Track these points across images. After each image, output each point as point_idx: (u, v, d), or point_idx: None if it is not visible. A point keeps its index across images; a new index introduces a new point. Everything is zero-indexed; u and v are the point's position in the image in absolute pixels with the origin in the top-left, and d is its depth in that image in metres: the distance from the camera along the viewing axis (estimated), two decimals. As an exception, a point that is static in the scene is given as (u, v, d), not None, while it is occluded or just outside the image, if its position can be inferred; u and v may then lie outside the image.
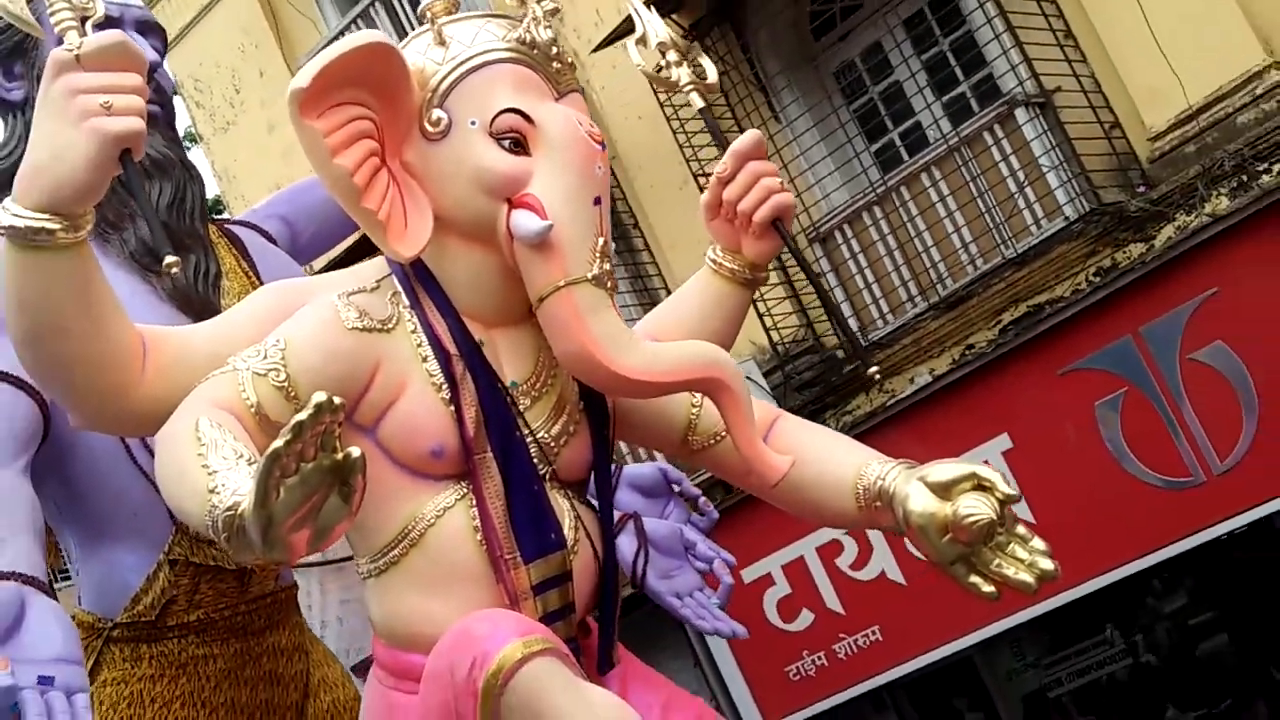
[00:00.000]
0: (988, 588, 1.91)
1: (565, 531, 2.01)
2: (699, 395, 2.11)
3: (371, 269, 2.05)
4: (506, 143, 1.88)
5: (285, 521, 1.39)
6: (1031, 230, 7.32)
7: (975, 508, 1.85)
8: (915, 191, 7.88)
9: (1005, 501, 1.89)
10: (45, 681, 2.21)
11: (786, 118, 8.11)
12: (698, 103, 2.13)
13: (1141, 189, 7.08)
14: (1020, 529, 1.95)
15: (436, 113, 1.89)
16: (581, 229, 1.89)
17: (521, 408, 2.02)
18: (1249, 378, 6.48)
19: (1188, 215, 6.79)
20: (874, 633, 8.08)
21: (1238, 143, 6.66)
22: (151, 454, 2.46)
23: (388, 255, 1.99)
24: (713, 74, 2.19)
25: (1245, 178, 6.58)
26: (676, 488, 3.15)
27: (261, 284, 2.72)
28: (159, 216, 2.64)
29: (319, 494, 1.39)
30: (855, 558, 7.98)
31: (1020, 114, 7.29)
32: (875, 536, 7.71)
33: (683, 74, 2.14)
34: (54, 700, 2.21)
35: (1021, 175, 7.36)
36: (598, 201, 1.93)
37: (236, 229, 3.12)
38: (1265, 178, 6.46)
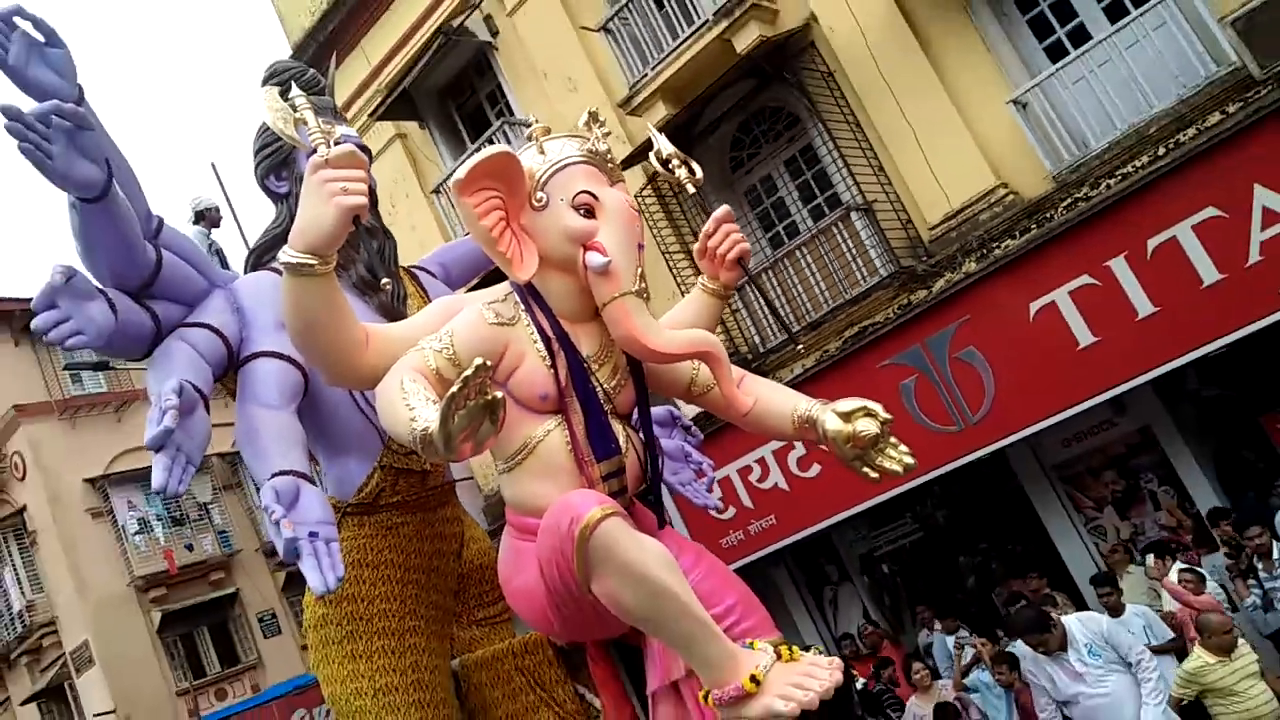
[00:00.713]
0: (873, 474, 2.64)
1: (620, 443, 2.60)
2: (697, 361, 2.73)
3: (501, 289, 2.61)
4: (582, 211, 2.46)
5: (458, 436, 1.91)
6: (861, 283, 9.42)
7: (867, 426, 2.57)
8: (793, 262, 9.91)
9: (884, 423, 2.58)
10: (313, 535, 3.02)
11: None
12: (690, 189, 2.73)
13: (924, 259, 9.21)
14: (893, 439, 2.63)
15: (540, 194, 2.46)
16: (628, 263, 2.45)
17: (593, 370, 2.58)
18: (989, 368, 8.51)
19: (951, 273, 8.86)
20: (770, 519, 10.04)
21: (979, 231, 8.80)
22: (369, 402, 3.57)
23: (511, 280, 2.57)
24: (699, 172, 2.77)
25: (984, 251, 8.65)
26: (678, 420, 4.20)
27: (430, 302, 3.32)
28: (374, 259, 3.58)
29: (478, 420, 1.91)
30: (760, 474, 10.01)
31: (854, 215, 9.51)
32: (771, 461, 9.75)
33: (682, 172, 2.74)
34: (319, 546, 3.05)
35: (855, 251, 9.50)
36: (641, 247, 2.54)
37: (415, 270, 3.92)
38: (996, 251, 8.57)
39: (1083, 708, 5.92)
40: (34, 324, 3.08)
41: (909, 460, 2.64)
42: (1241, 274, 7.35)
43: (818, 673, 2.34)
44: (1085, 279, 8.12)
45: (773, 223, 10.72)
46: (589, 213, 2.45)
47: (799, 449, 9.62)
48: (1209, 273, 7.50)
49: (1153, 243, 7.74)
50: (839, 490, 9.22)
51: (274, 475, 3.12)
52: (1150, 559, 7.49)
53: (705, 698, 2.44)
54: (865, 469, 2.68)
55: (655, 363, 2.66)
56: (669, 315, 2.82)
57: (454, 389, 1.87)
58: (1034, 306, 8.36)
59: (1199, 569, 6.91)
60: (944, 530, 10.79)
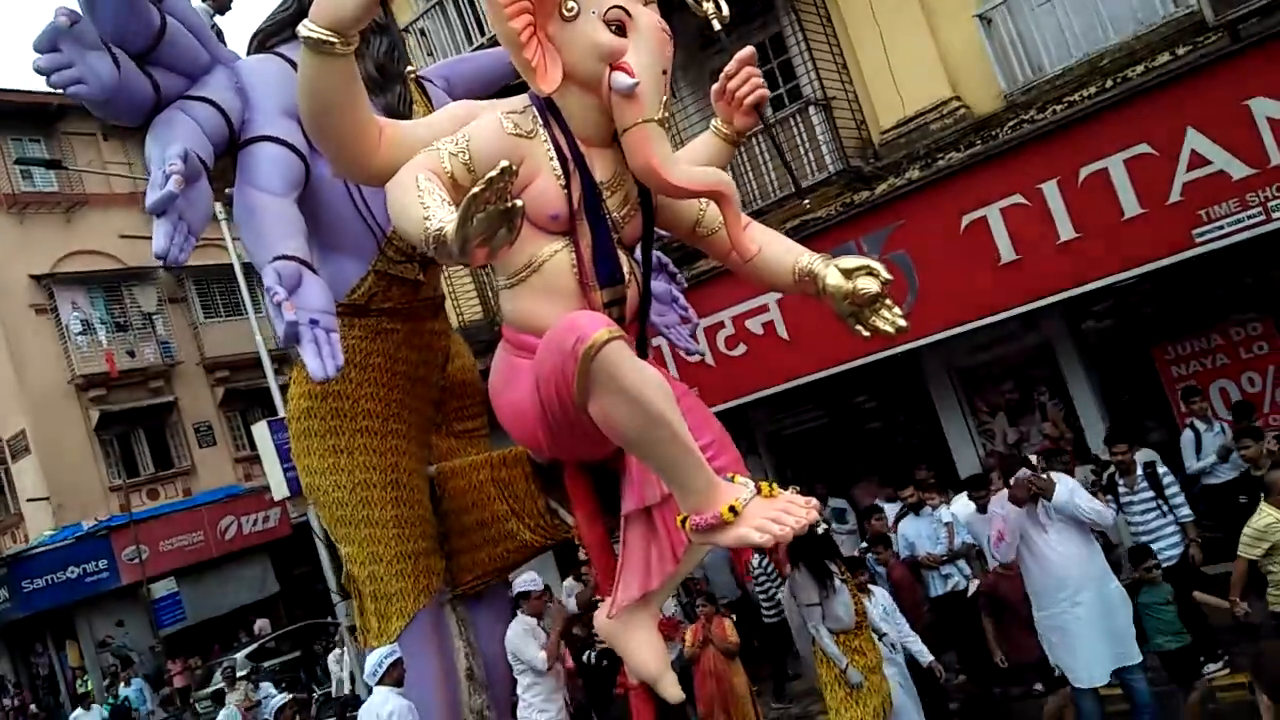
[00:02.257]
0: (865, 332, 2.59)
1: (625, 273, 2.54)
2: (705, 201, 2.63)
3: (520, 100, 2.49)
4: (613, 27, 2.32)
5: (474, 239, 1.81)
6: (809, 176, 9.37)
7: (867, 284, 2.50)
8: (747, 149, 9.60)
9: (884, 283, 2.49)
10: (314, 323, 2.92)
11: (680, 98, 9.66)
12: (716, 26, 2.65)
13: (872, 161, 9.29)
14: (889, 301, 2.52)
15: (571, 3, 2.33)
16: (655, 89, 2.32)
17: (604, 196, 2.48)
18: (915, 272, 8.56)
19: (895, 178, 8.91)
20: (694, 391, 10.19)
21: (928, 140, 8.89)
22: (369, 204, 3.82)
23: (532, 91, 2.43)
24: (725, 9, 2.66)
25: (929, 160, 8.75)
26: (665, 265, 4.23)
27: (434, 110, 3.23)
28: (383, 57, 3.48)
29: (496, 225, 1.81)
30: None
31: (812, 110, 9.47)
32: (701, 336, 9.38)
33: (709, 6, 2.66)
34: (320, 334, 2.96)
35: (808, 145, 9.48)
36: (665, 72, 2.38)
37: (421, 79, 3.92)
38: (940, 161, 8.66)
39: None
40: (36, 64, 2.92)
41: (901, 323, 2.60)
42: (1161, 210, 7.51)
43: (794, 510, 2.36)
44: (1017, 198, 8.20)
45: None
46: (620, 30, 2.32)
47: (729, 328, 9.76)
48: (1131, 206, 7.64)
49: (1085, 171, 7.82)
50: (758, 372, 9.45)
51: (276, 259, 3.01)
52: (1032, 457, 7.83)
53: (683, 523, 2.45)
54: (858, 326, 2.64)
55: (668, 195, 2.56)
56: (682, 152, 2.69)
57: (476, 190, 1.79)
58: (966, 219, 8.43)
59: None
60: (848, 418, 11.07)
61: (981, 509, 6.93)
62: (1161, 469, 6.81)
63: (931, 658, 6.47)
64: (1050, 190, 8.04)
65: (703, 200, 2.69)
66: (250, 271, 19.35)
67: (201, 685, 17.08)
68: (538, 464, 5.65)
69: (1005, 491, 5.76)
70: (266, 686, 12.61)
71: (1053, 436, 8.94)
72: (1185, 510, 6.73)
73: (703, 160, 2.71)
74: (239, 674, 14.30)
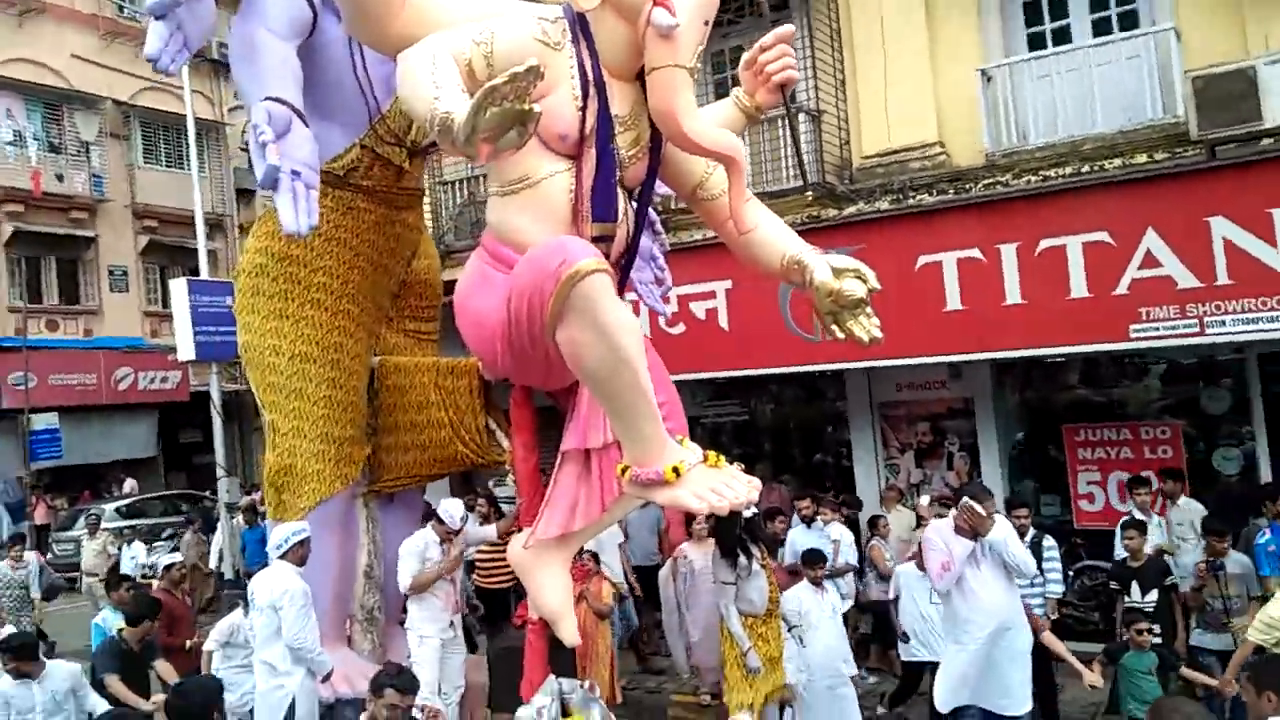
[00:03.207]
0: (839, 334, 2.58)
1: (618, 212, 2.49)
2: (712, 165, 2.57)
3: (554, 9, 2.39)
4: None
5: (481, 132, 1.72)
6: (783, 182, 9.25)
7: (854, 287, 2.51)
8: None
9: (871, 290, 2.47)
10: (295, 174, 3.00)
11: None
12: None
13: (848, 182, 9.40)
14: (869, 310, 2.47)
15: None
16: (694, 35, 2.26)
17: (616, 131, 2.44)
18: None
19: (865, 204, 8.96)
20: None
21: (905, 176, 9.00)
22: (369, 76, 3.76)
23: (569, 4, 2.35)
24: None
25: (901, 196, 8.79)
26: (651, 222, 4.03)
27: None
28: None
29: (508, 124, 1.73)
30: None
31: (802, 118, 9.36)
32: (643, 309, 9.32)
33: None
34: (299, 187, 2.92)
35: (790, 150, 9.16)
36: (706, 23, 2.31)
37: None
38: (910, 200, 8.68)
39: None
40: None
41: (876, 333, 2.59)
42: (1105, 299, 7.70)
43: (736, 484, 2.37)
44: (975, 252, 8.32)
45: (725, 94, 10.43)
46: None
47: (673, 305, 9.46)
48: (1079, 287, 7.82)
49: (1044, 243, 7.97)
50: (693, 355, 9.41)
51: (269, 99, 2.92)
52: (925, 499, 8.07)
53: (623, 472, 2.40)
54: (834, 326, 2.63)
55: (681, 146, 2.45)
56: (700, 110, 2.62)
57: (498, 81, 1.70)
58: (922, 259, 8.51)
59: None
60: (768, 422, 11.16)
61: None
62: (1047, 541, 7.03)
63: (854, 670, 6.49)
64: (1008, 253, 8.17)
65: (710, 163, 2.63)
66: (203, 127, 18.57)
67: (64, 528, 16.60)
68: (486, 381, 5.59)
69: (946, 521, 5.63)
70: (138, 546, 12.31)
71: (953, 486, 9.16)
72: (1057, 587, 6.96)
73: (719, 125, 2.63)
74: (104, 525, 13.94)
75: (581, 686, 5.29)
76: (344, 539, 5.79)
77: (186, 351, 11.47)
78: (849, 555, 8.13)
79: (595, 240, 2.45)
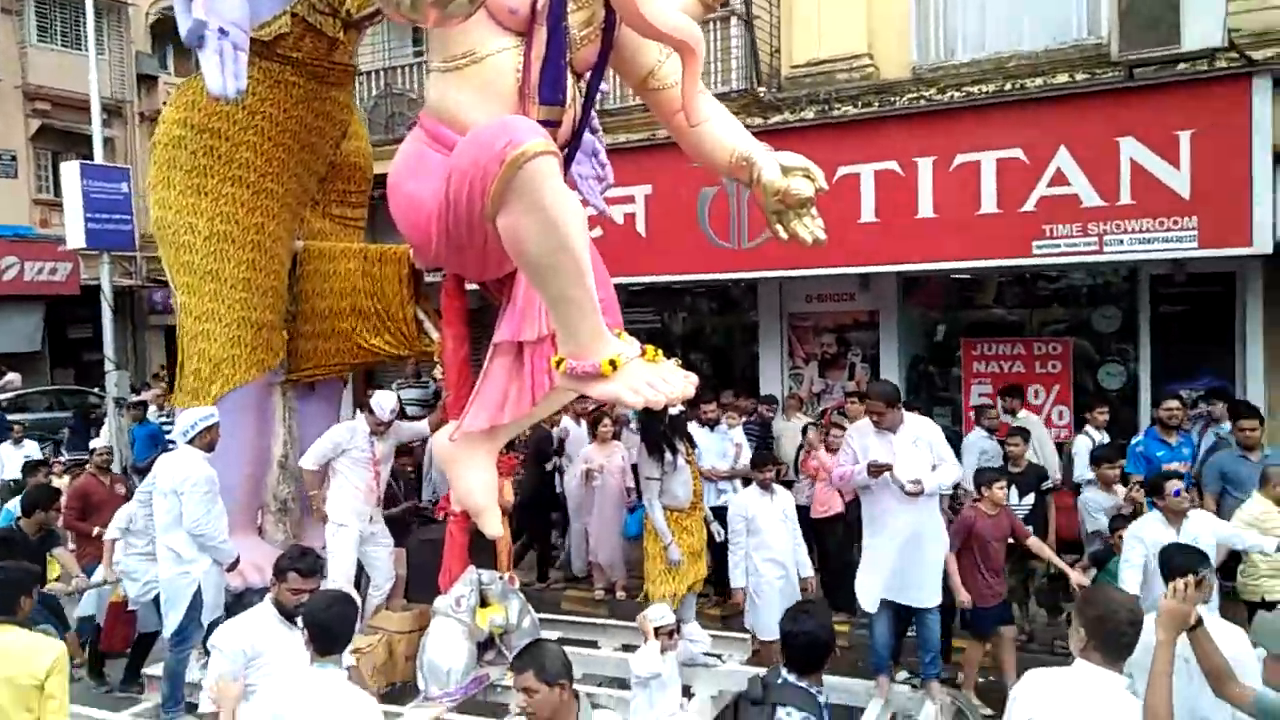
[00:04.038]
0: (783, 234, 2.58)
1: (566, 96, 2.46)
2: (665, 52, 2.51)
3: None
4: None
5: None
6: (710, 87, 8.57)
7: (801, 187, 2.51)
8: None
9: (819, 190, 2.48)
10: (223, 34, 2.98)
11: None
12: None
13: (774, 90, 9.24)
14: (814, 210, 2.47)
15: None
16: None
17: (570, 9, 2.40)
18: None
19: (789, 113, 8.87)
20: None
21: (831, 87, 8.91)
22: None
23: None
24: None
25: (825, 107, 8.74)
26: (590, 121, 3.89)
27: None
28: None
29: None
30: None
31: (734, 21, 9.17)
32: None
33: None
34: (226, 47, 3.04)
35: (720, 54, 9.12)
36: None
37: None
38: (834, 110, 8.69)
39: None
40: None
41: (820, 235, 2.53)
42: (1012, 215, 7.82)
43: (673, 379, 2.29)
44: (893, 164, 8.34)
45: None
46: None
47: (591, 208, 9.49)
48: (990, 202, 7.91)
49: (960, 158, 8.03)
50: (607, 260, 8.82)
51: None
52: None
53: (558, 364, 2.32)
54: (778, 226, 2.55)
55: (636, 29, 2.35)
56: None
57: None
58: (841, 170, 8.44)
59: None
60: (678, 330, 11.10)
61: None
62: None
63: (810, 572, 6.25)
64: (925, 166, 8.22)
65: (664, 51, 2.53)
66: (103, 6, 17.41)
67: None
68: (416, 270, 5.36)
69: (866, 421, 5.23)
70: (31, 444, 11.69)
71: (857, 392, 9.24)
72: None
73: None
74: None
75: (501, 578, 5.24)
76: (259, 427, 5.61)
77: (76, 239, 10.85)
78: (747, 458, 8.11)
79: (541, 124, 2.34)
